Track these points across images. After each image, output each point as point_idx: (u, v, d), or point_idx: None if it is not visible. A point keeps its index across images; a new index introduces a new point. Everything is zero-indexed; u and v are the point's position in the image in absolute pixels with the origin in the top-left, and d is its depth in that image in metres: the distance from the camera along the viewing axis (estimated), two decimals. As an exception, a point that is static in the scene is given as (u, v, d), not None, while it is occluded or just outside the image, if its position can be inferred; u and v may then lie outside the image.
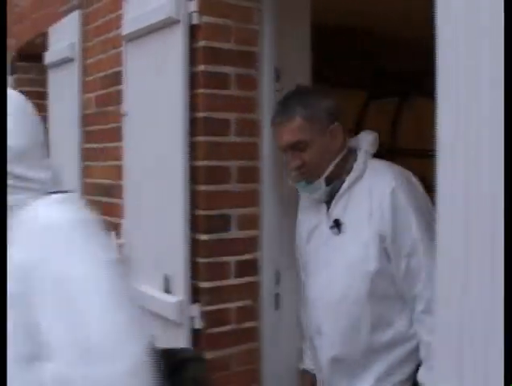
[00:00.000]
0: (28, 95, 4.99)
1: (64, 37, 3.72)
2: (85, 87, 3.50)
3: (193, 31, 2.53)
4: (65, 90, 3.73)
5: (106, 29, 3.27)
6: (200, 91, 2.50)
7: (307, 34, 2.76)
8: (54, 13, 3.93)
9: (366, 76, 4.84)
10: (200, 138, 2.51)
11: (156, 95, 2.72)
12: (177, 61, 2.54)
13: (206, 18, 2.53)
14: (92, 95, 3.43)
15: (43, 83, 4.27)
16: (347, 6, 3.74)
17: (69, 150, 3.62)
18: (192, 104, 2.50)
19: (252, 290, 2.64)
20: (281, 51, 2.66)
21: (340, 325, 2.12)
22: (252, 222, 2.62)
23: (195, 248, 2.52)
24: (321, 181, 2.15)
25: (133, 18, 2.87)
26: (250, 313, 2.64)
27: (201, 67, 2.51)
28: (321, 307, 2.18)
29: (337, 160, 2.16)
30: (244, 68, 2.61)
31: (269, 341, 2.67)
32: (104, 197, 3.31)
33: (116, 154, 3.10)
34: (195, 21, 2.52)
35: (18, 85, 4.71)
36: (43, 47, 4.04)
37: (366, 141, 2.20)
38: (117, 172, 3.07)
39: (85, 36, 3.52)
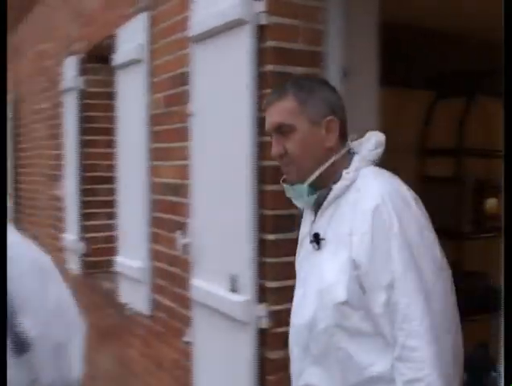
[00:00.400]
0: (97, 95, 5.14)
1: (131, 39, 3.79)
2: (153, 87, 3.56)
3: (261, 32, 2.54)
4: (133, 91, 3.80)
5: (173, 30, 3.31)
6: (268, 91, 2.50)
7: (374, 33, 2.74)
8: (122, 15, 4.00)
9: (434, 76, 4.78)
10: (268, 138, 2.51)
11: (223, 95, 2.74)
12: (244, 61, 2.55)
13: (274, 19, 2.53)
14: (159, 95, 3.48)
15: (111, 84, 4.36)
16: (416, 4, 3.69)
17: (137, 150, 3.69)
18: (260, 105, 2.51)
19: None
20: (348, 50, 2.65)
21: (307, 353, 1.85)
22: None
23: (262, 247, 2.53)
24: (304, 187, 1.82)
25: (200, 19, 2.90)
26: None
27: (269, 68, 2.52)
28: (293, 328, 1.92)
29: (328, 163, 1.81)
30: (310, 68, 2.60)
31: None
32: (171, 196, 3.36)
33: (183, 154, 3.14)
34: (263, 21, 2.53)
35: (87, 86, 4.82)
36: (112, 48, 4.12)
37: (367, 144, 1.85)
38: (185, 172, 3.11)
39: (153, 38, 3.57)
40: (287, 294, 2.55)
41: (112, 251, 4.49)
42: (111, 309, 4.33)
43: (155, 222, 3.58)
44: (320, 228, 1.82)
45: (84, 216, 4.86)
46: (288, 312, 2.55)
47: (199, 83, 2.96)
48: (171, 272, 3.39)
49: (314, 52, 2.61)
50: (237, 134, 2.60)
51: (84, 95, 4.84)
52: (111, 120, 4.42)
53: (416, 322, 1.62)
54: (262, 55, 2.53)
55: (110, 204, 4.55)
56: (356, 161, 1.80)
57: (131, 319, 3.91)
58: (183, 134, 3.14)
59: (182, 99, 3.15)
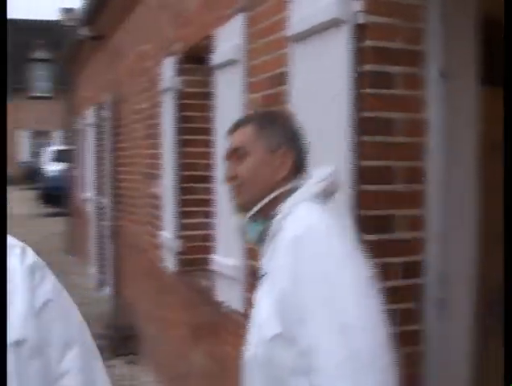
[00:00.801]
0: (194, 96, 5.23)
1: (228, 39, 3.84)
2: (250, 88, 3.59)
3: (359, 31, 2.52)
4: (230, 91, 3.84)
5: (271, 31, 3.33)
6: (367, 91, 2.48)
7: (475, 31, 2.67)
8: (219, 16, 4.05)
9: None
10: (366, 138, 2.50)
11: (322, 95, 2.74)
12: (343, 61, 2.54)
13: (372, 18, 2.51)
14: (256, 95, 3.51)
15: (208, 84, 4.43)
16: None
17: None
18: (358, 104, 2.49)
19: (416, 293, 2.59)
20: (448, 49, 2.59)
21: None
22: (416, 223, 2.58)
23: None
24: (246, 217, 1.83)
25: (298, 19, 2.90)
26: (413, 315, 2.59)
27: (368, 67, 2.50)
28: (244, 360, 1.83)
29: (274, 194, 1.80)
30: (410, 67, 2.57)
31: (433, 346, 2.61)
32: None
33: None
34: (361, 20, 2.51)
35: (185, 86, 4.91)
36: (208, 49, 4.18)
37: (310, 178, 1.83)
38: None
39: (250, 38, 3.60)
40: (383, 296, 2.53)
41: (208, 249, 4.56)
42: (207, 307, 4.39)
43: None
44: (264, 262, 1.79)
45: (181, 214, 4.95)
46: (386, 313, 2.54)
47: (297, 83, 2.96)
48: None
49: (413, 51, 2.58)
50: (336, 134, 2.59)
51: (181, 95, 4.93)
52: (208, 120, 4.49)
53: (324, 358, 1.55)
54: (360, 55, 2.51)
55: (207, 203, 4.62)
56: (294, 195, 1.78)
57: (227, 317, 3.95)
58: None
59: (279, 99, 3.17)
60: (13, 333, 1.43)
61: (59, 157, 20.80)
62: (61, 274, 9.54)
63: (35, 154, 35.91)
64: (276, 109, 2.26)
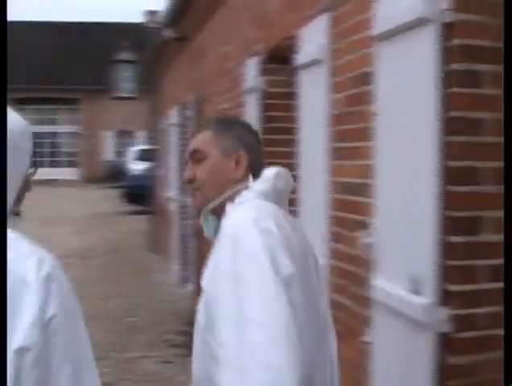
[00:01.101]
0: (278, 95, 5.25)
1: (312, 39, 3.85)
2: (334, 87, 3.59)
3: (446, 29, 2.49)
4: (314, 91, 3.85)
5: (355, 30, 3.32)
6: (454, 90, 2.45)
7: None
8: (302, 16, 4.07)
9: None
10: (454, 138, 2.46)
11: (408, 94, 2.72)
12: (429, 60, 2.51)
13: (460, 16, 2.48)
14: (341, 95, 3.51)
15: (292, 84, 4.45)
16: None
17: (318, 149, 3.74)
18: (445, 104, 2.46)
19: (503, 296, 2.54)
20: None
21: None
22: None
23: (445, 250, 2.48)
24: (207, 211, 1.95)
25: (383, 18, 2.89)
26: (501, 319, 2.54)
27: (455, 66, 2.46)
28: None
29: (229, 192, 1.91)
30: (498, 66, 2.51)
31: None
32: (353, 196, 3.38)
33: (366, 154, 3.14)
34: (448, 19, 2.48)
35: (268, 86, 4.95)
36: (291, 49, 4.20)
37: (262, 178, 1.91)
38: (368, 171, 3.11)
39: (334, 38, 3.60)
40: (471, 298, 2.50)
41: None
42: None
43: (336, 221, 3.61)
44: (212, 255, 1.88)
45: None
46: (470, 317, 2.50)
47: (382, 82, 2.95)
48: (350, 271, 3.41)
49: (502, 49, 2.52)
50: (422, 134, 2.57)
51: (265, 95, 4.97)
52: (292, 119, 4.50)
53: (223, 350, 1.65)
54: (447, 54, 2.48)
55: (291, 202, 4.62)
56: (241, 195, 1.88)
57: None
58: (365, 134, 3.15)
59: (364, 99, 3.16)
60: (19, 340, 1.47)
61: (143, 156, 21.24)
62: (144, 272, 9.81)
63: (120, 154, 36.79)
64: (233, 116, 2.31)
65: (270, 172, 1.93)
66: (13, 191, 1.68)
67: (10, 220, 1.61)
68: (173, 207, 10.55)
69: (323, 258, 3.67)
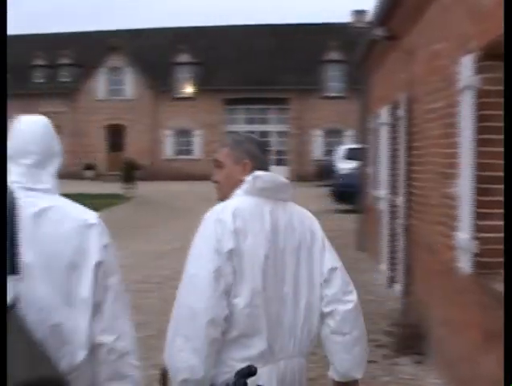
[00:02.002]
0: (495, 94, 5.05)
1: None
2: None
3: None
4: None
5: None
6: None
7: None
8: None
9: None
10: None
11: None
12: None
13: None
14: None
15: None
16: None
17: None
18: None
19: None
20: None
21: None
22: None
23: None
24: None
25: None
26: None
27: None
28: None
29: (236, 190, 2.68)
30: None
31: None
32: None
33: None
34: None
35: (484, 84, 4.78)
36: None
37: (245, 181, 2.66)
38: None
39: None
40: None
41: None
42: (500, 311, 4.25)
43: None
44: None
45: (478, 216, 4.84)
46: None
47: None
48: None
49: None
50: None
51: (480, 93, 4.81)
52: None
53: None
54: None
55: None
56: (237, 191, 2.68)
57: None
58: None
59: None
60: (96, 257, 2.29)
61: (352, 155, 21.34)
62: (351, 270, 9.82)
63: (329, 152, 37.25)
64: (246, 134, 3.01)
65: (250, 176, 2.65)
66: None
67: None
68: (382, 206, 10.52)
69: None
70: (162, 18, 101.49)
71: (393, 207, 9.35)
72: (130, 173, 28.75)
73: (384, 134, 10.48)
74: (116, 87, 41.29)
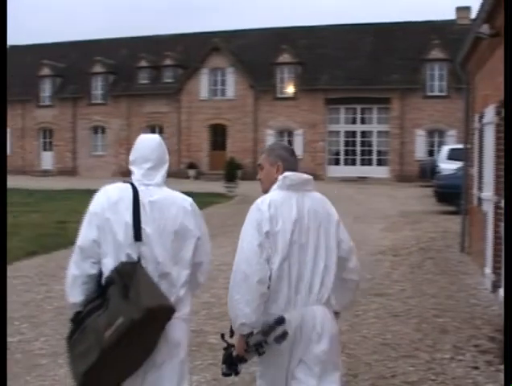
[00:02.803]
0: None
1: None
2: None
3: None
4: None
5: None
6: None
7: None
8: None
9: None
10: None
11: None
12: None
13: None
14: None
15: None
16: None
17: None
18: None
19: None
20: None
21: None
22: None
23: None
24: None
25: None
26: None
27: None
28: None
29: (272, 186, 3.72)
30: None
31: None
32: None
33: None
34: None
35: None
36: None
37: (278, 179, 3.71)
38: None
39: None
40: None
41: None
42: None
43: None
44: None
45: None
46: None
47: None
48: None
49: None
50: None
51: None
52: None
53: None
54: None
55: None
56: (273, 187, 3.70)
57: None
58: None
59: None
60: (196, 233, 3.67)
61: (455, 155, 20.88)
62: (455, 273, 9.66)
63: (431, 153, 36.55)
64: (279, 142, 3.88)
65: (281, 176, 3.66)
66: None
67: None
68: (486, 208, 10.27)
69: None
70: (265, 18, 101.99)
71: (498, 208, 9.12)
72: (233, 172, 29.11)
73: (489, 134, 10.23)
74: (218, 87, 41.95)
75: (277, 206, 3.54)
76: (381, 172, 38.50)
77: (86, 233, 3.50)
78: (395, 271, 10.70)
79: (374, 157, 39.37)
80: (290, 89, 40.39)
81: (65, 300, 3.63)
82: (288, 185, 3.62)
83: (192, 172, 40.73)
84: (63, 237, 13.40)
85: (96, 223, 3.48)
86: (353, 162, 39.50)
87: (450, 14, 40.34)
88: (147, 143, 3.73)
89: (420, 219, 17.82)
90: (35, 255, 12.26)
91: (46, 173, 45.13)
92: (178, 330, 3.57)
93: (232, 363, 3.61)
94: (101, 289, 3.42)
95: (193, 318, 7.20)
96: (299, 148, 39.82)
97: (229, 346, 3.63)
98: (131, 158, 3.69)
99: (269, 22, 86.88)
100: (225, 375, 3.69)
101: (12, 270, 10.77)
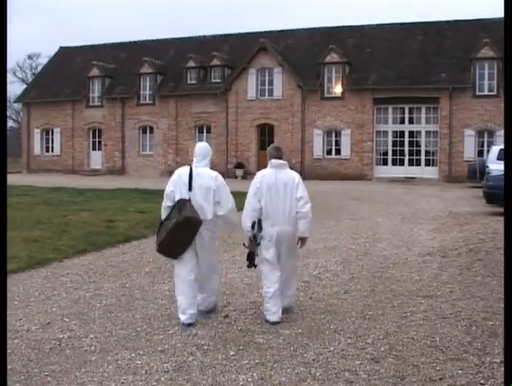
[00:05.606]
0: None
1: None
2: None
3: None
4: None
5: None
6: None
7: None
8: None
9: None
10: None
11: None
12: None
13: None
14: None
15: None
16: None
17: None
18: None
19: None
20: None
21: None
22: None
23: None
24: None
25: None
26: None
27: None
28: None
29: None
30: None
31: None
32: None
33: None
34: None
35: None
36: None
37: (269, 163, 7.88)
38: None
39: None
40: None
41: None
42: None
43: None
44: None
45: None
46: None
47: None
48: None
49: None
50: None
51: None
52: None
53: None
54: None
55: None
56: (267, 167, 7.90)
57: None
58: None
59: None
60: (213, 187, 7.62)
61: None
62: (502, 276, 9.20)
63: (481, 153, 36.00)
64: (273, 144, 8.10)
65: (269, 161, 7.75)
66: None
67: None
68: (537, 210, 10.06)
69: None
70: (315, 18, 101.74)
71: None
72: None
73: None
74: (265, 87, 41.99)
75: (264, 175, 7.72)
76: (429, 172, 38.05)
77: (168, 188, 7.63)
78: (444, 273, 10.55)
79: (422, 157, 38.91)
80: (337, 89, 40.18)
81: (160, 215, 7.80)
82: (271, 166, 7.76)
83: (239, 172, 40.87)
84: (111, 236, 13.61)
85: (173, 183, 7.62)
86: (401, 163, 39.10)
87: (500, 12, 39.67)
88: (198, 145, 7.97)
89: (469, 221, 17.54)
90: (85, 253, 12.41)
91: (95, 172, 45.82)
92: (206, 234, 7.59)
93: (250, 259, 7.65)
94: (171, 210, 7.50)
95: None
96: (346, 148, 39.62)
97: (248, 250, 7.71)
98: (195, 153, 7.84)
99: (318, 22, 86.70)
100: (249, 266, 7.77)
101: (62, 268, 10.99)
